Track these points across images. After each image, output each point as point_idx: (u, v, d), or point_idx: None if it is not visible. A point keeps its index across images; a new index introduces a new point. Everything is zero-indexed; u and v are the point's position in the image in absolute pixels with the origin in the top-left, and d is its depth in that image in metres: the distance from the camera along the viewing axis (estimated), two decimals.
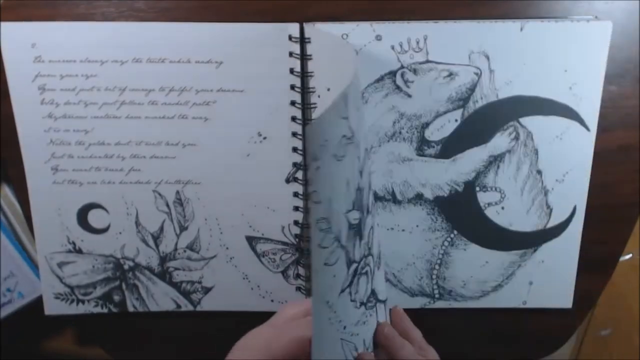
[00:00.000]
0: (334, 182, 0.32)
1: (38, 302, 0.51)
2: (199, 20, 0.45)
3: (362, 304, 0.38)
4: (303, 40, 0.45)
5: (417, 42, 0.45)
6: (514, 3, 0.46)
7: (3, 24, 0.45)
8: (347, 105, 0.33)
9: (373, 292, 0.40)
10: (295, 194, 0.49)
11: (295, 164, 0.48)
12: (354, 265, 0.36)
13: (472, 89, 0.46)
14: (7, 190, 0.51)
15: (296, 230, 0.50)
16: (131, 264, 0.51)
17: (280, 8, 0.46)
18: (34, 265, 0.52)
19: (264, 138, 0.48)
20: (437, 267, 0.51)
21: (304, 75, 0.46)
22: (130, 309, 0.52)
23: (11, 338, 0.54)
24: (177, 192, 0.49)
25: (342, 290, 0.35)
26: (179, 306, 0.52)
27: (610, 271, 0.52)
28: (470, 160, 0.48)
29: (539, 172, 0.49)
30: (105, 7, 0.46)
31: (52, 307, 0.51)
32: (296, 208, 0.49)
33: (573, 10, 0.46)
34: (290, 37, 0.45)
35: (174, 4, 0.46)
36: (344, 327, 0.37)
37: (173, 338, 0.54)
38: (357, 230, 0.35)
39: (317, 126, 0.29)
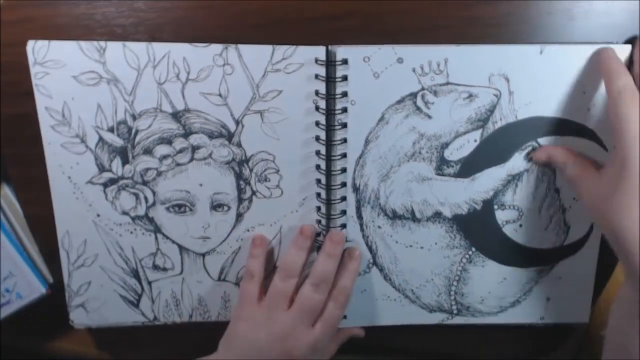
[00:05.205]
0: None
1: (38, 302, 0.52)
2: (199, 19, 0.45)
3: None
4: (329, 63, 0.45)
5: (438, 65, 0.46)
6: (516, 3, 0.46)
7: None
8: None
9: None
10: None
11: (318, 182, 0.49)
12: None
13: (491, 110, 0.47)
14: (7, 190, 0.50)
15: None
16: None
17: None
18: (34, 265, 0.52)
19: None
20: (455, 283, 0.51)
21: (329, 97, 0.46)
22: None
23: (11, 338, 0.54)
24: None
25: None
26: None
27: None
28: (489, 179, 0.49)
29: (557, 190, 0.49)
30: (105, 7, 0.45)
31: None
32: None
33: (573, 10, 0.46)
34: (316, 60, 0.45)
35: (174, 4, 0.46)
36: None
37: (174, 338, 0.55)
38: None
39: None
